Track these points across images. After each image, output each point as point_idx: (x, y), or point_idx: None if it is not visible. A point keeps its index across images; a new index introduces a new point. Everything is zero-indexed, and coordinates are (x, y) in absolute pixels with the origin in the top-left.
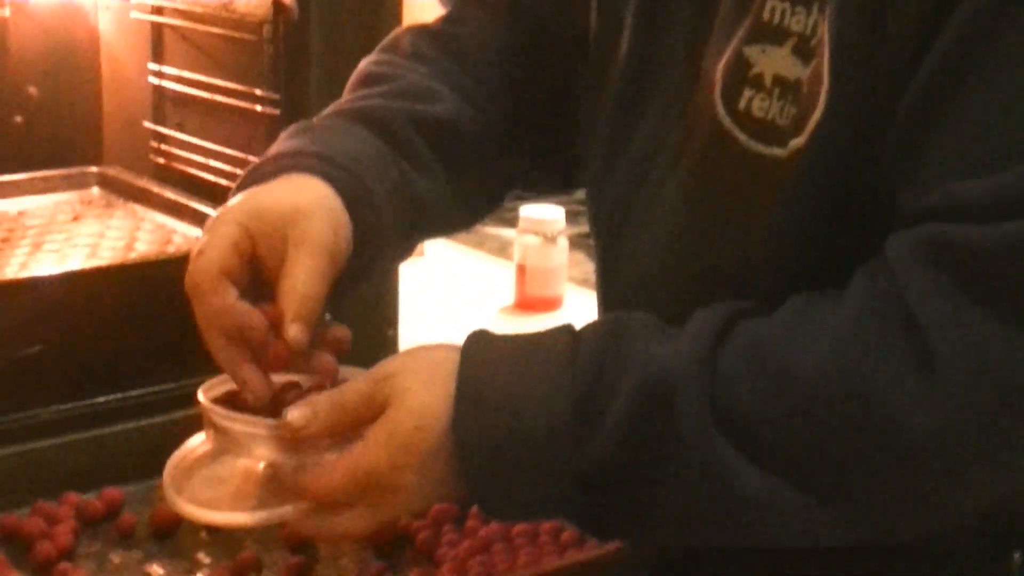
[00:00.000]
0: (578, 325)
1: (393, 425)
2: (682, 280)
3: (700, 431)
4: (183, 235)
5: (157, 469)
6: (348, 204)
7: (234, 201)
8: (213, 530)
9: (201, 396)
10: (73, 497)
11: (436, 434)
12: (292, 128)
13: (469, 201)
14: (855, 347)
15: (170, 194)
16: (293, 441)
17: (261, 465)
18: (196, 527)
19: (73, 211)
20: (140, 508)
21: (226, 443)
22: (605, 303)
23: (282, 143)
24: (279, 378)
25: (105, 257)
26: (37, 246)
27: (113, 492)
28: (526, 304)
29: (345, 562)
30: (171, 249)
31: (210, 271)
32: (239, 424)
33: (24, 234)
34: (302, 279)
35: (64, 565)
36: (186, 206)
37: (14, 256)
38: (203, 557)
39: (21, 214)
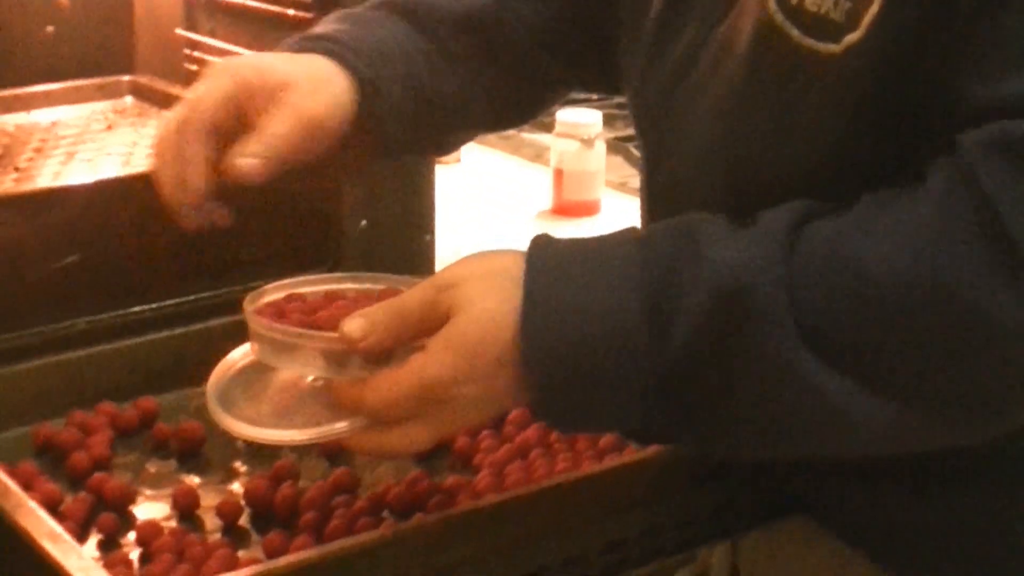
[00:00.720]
0: (617, 228)
1: (457, 335)
2: (725, 181)
3: (777, 335)
4: None
5: (192, 378)
6: (362, 95)
7: (244, 58)
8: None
9: (247, 306)
10: (108, 407)
11: (503, 344)
12: (332, 15)
13: (509, 101)
14: (936, 245)
15: None
16: (347, 355)
17: (310, 379)
18: (230, 438)
19: (106, 120)
20: (175, 418)
21: (274, 357)
22: (649, 205)
23: (317, 27)
24: (322, 287)
25: (139, 166)
26: (70, 156)
27: (148, 402)
28: (563, 209)
29: (383, 470)
30: None
31: (200, 120)
32: (290, 337)
33: (57, 144)
34: (271, 132)
35: (99, 475)
36: None
37: (47, 166)
38: (239, 466)
39: (54, 124)
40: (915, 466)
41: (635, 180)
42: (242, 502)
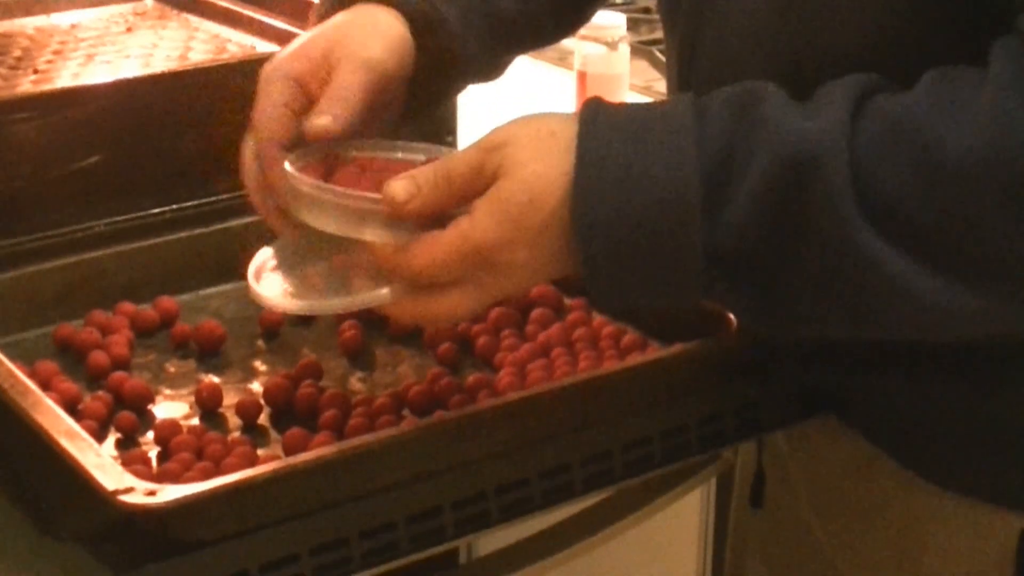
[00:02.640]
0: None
1: (505, 198)
2: (770, 67)
3: (838, 208)
4: (238, 44)
5: (212, 279)
6: (417, 31)
7: (282, 52)
8: (269, 337)
9: (288, 167)
10: (128, 307)
11: (551, 208)
12: None
13: (562, 12)
14: (1008, 126)
15: (224, 2)
16: (391, 218)
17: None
18: (250, 338)
19: (126, 23)
20: (195, 318)
21: (315, 220)
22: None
23: None
24: (364, 152)
25: (159, 67)
26: (90, 58)
27: (168, 302)
28: None
29: (404, 368)
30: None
31: (270, 140)
32: (332, 196)
33: (77, 46)
34: (337, 86)
35: (119, 374)
36: (241, 14)
37: (66, 68)
38: (259, 365)
39: (74, 27)
40: (944, 365)
41: (660, 84)
42: (261, 401)
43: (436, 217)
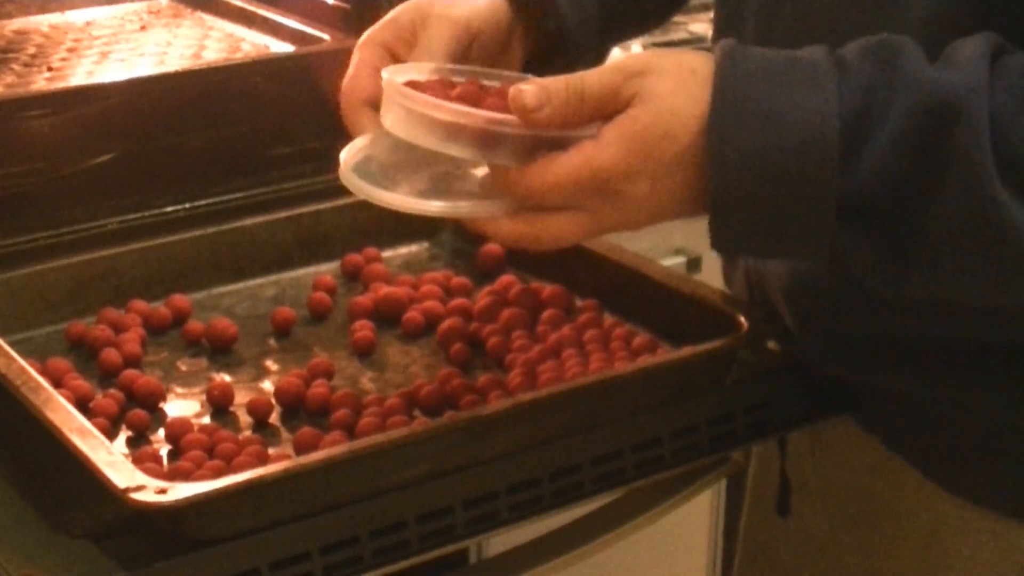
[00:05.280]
0: None
1: (638, 126)
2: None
3: (979, 159)
4: (251, 43)
5: (224, 277)
6: (525, 17)
7: (373, 26)
8: (281, 336)
9: (391, 77)
10: (140, 305)
11: (684, 144)
12: None
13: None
14: None
15: (238, 1)
16: (504, 137)
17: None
18: (262, 336)
19: (140, 21)
20: (207, 316)
21: (422, 134)
22: None
23: None
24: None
25: (173, 65)
26: (104, 56)
27: (180, 300)
28: None
29: (415, 368)
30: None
31: (356, 100)
32: (437, 111)
33: (91, 44)
34: (423, 47)
35: (131, 372)
36: (255, 13)
37: (81, 66)
38: (271, 364)
39: (88, 24)
40: (962, 371)
41: None
42: (273, 400)
43: (559, 133)
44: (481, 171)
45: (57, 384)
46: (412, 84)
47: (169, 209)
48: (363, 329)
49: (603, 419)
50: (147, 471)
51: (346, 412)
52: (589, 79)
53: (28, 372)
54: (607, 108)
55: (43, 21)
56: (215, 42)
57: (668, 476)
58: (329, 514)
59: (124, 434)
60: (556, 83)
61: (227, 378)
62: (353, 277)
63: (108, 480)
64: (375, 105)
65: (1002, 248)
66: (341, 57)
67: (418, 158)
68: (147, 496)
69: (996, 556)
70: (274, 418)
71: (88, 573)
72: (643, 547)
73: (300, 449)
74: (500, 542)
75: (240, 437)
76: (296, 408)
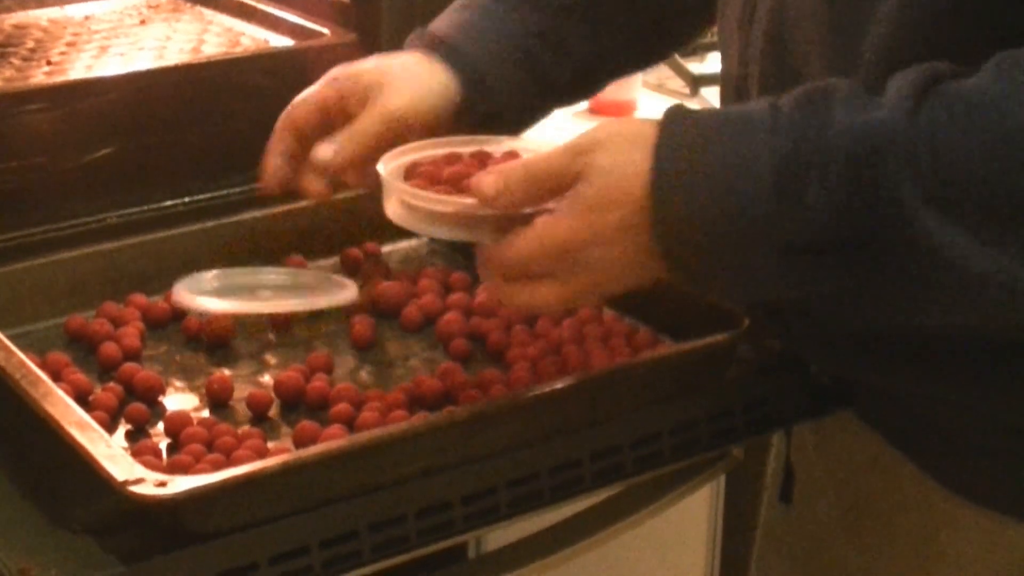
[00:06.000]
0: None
1: (584, 199)
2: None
3: (909, 196)
4: (251, 37)
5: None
6: (464, 84)
7: (351, 64)
8: (280, 331)
9: (381, 168)
10: (139, 299)
11: (628, 210)
12: (457, 2)
13: (644, 45)
14: None
15: None
16: (477, 220)
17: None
18: (260, 328)
19: (140, 15)
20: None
21: (407, 220)
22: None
23: (438, 19)
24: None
25: (172, 60)
26: (103, 50)
27: None
28: (600, 108)
29: (415, 362)
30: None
31: (290, 118)
32: (423, 202)
33: (90, 38)
34: (354, 128)
35: (130, 366)
36: (254, 7)
37: (80, 60)
38: (270, 358)
39: (87, 18)
40: (960, 370)
41: (672, 82)
42: (272, 394)
43: (519, 215)
44: None
45: (56, 378)
46: (412, 164)
47: (168, 203)
48: (362, 323)
49: (603, 414)
50: (146, 464)
51: (345, 406)
52: (539, 163)
53: (27, 366)
54: (562, 186)
55: (42, 15)
56: (214, 36)
57: (667, 471)
58: (328, 508)
59: (123, 428)
60: (514, 169)
61: (226, 372)
62: (352, 272)
63: (107, 473)
64: (301, 136)
65: (941, 275)
66: (341, 51)
67: None
68: (146, 489)
69: (986, 553)
70: (273, 412)
71: (86, 567)
72: (642, 542)
73: (299, 443)
74: (499, 537)
75: (239, 431)
76: (295, 402)
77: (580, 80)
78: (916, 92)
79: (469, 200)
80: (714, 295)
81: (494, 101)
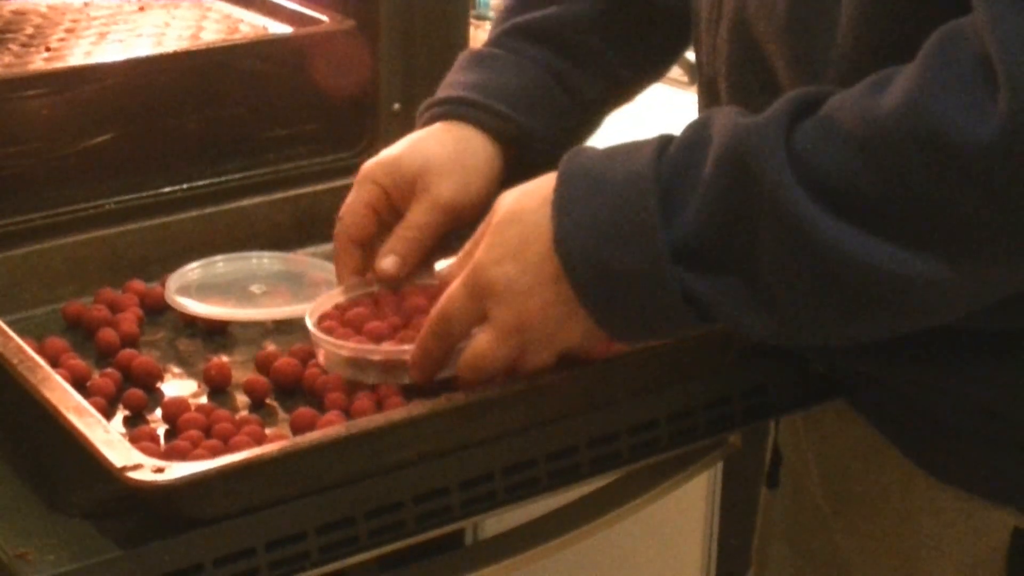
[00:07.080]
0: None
1: (492, 225)
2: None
3: (780, 188)
4: (250, 24)
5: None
6: (504, 145)
7: (378, 158)
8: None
9: (309, 322)
10: (137, 285)
11: (530, 222)
12: (464, 58)
13: (650, 64)
14: (923, 80)
15: None
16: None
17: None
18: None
19: (139, 2)
20: None
21: (336, 366)
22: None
23: (452, 77)
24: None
25: (170, 46)
26: (102, 36)
27: None
28: None
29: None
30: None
31: (347, 234)
32: (346, 352)
33: (89, 25)
34: (409, 225)
35: (128, 352)
36: None
37: (79, 46)
38: (267, 345)
39: (87, 5)
40: (946, 357)
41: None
42: (269, 380)
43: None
44: None
45: (54, 363)
46: (336, 308)
47: (167, 189)
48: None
49: (600, 401)
50: (144, 450)
51: (343, 393)
52: (442, 320)
53: (25, 351)
54: (474, 321)
55: (41, 1)
56: (213, 23)
57: (664, 458)
58: (325, 494)
59: (121, 413)
60: (423, 339)
61: (224, 358)
62: None
63: (105, 459)
64: (365, 244)
65: (836, 271)
66: (339, 39)
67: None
68: (144, 475)
69: (966, 537)
70: (271, 398)
71: (84, 552)
72: (639, 529)
73: (297, 429)
74: (496, 523)
75: (237, 417)
76: (293, 389)
77: (606, 96)
78: (793, 106)
79: (361, 345)
80: (638, 335)
81: (536, 150)
